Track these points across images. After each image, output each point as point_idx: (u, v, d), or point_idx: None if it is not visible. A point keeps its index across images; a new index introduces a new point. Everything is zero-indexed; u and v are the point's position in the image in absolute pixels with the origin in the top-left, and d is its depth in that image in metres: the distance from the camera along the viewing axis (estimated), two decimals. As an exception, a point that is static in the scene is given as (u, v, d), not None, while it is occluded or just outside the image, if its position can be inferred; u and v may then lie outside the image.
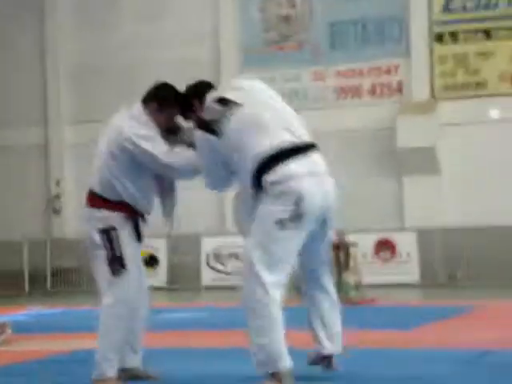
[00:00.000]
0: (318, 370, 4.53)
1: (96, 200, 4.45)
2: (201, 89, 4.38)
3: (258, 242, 4.01)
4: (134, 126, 4.38)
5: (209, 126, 4.12)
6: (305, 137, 4.19)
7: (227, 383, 4.43)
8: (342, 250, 12.62)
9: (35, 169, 18.45)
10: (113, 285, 4.30)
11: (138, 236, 4.41)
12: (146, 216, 4.49)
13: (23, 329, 7.68)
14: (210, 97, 4.24)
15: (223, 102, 4.14)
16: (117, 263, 4.30)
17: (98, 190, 4.45)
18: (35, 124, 18.56)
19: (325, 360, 4.45)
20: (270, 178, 4.02)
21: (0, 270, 16.45)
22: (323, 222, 4.19)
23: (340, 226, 15.41)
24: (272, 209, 3.99)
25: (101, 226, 4.36)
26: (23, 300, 14.61)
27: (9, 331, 6.88)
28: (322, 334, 4.39)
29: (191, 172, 4.41)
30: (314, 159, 4.17)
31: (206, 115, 4.18)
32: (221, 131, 4.10)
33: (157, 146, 4.34)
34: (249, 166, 4.05)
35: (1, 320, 7.01)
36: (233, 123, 4.10)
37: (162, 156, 4.33)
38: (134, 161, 4.38)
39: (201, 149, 4.24)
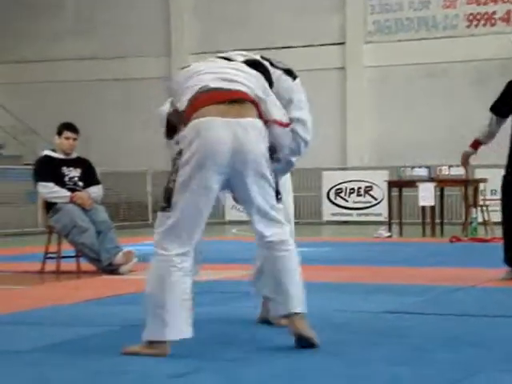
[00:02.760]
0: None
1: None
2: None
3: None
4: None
5: None
6: None
7: (342, 316, 4.33)
8: (470, 186, 12.24)
9: (158, 99, 18.68)
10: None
11: None
12: None
13: (148, 258, 7.82)
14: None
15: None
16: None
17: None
18: (159, 55, 18.75)
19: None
20: None
21: (126, 201, 16.89)
22: None
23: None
24: None
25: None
26: (147, 230, 14.98)
27: (134, 260, 7.01)
28: None
29: None
30: None
31: None
32: None
33: None
34: None
35: (127, 249, 7.14)
36: None
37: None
38: None
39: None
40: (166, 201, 3.40)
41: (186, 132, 3.40)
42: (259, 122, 3.47)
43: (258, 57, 3.91)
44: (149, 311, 3.41)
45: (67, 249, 7.27)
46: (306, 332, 3.46)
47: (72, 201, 7.10)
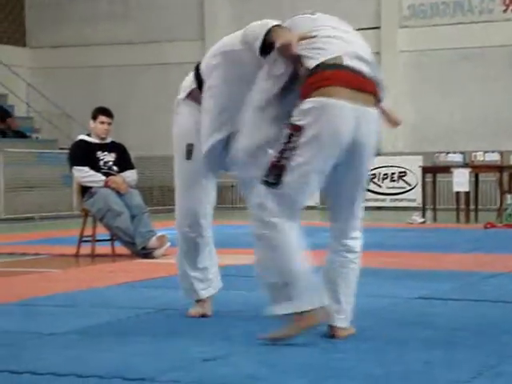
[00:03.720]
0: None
1: None
2: None
3: None
4: None
5: None
6: None
7: (375, 302, 4.32)
8: (505, 172, 12.13)
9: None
10: None
11: None
12: None
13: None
14: None
15: None
16: None
17: None
18: (192, 39, 18.76)
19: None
20: None
21: (160, 185, 16.99)
22: None
23: (504, 147, 14.94)
24: None
25: None
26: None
27: (168, 244, 7.06)
28: None
29: None
30: None
31: None
32: None
33: None
34: None
35: (161, 233, 7.19)
36: None
37: None
38: None
39: None
40: (276, 177, 3.18)
41: (309, 108, 3.16)
42: (377, 113, 3.36)
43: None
44: (275, 285, 3.20)
45: (102, 232, 7.33)
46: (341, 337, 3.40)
47: (107, 185, 7.16)
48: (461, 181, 11.83)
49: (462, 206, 12.27)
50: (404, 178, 16.10)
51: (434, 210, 12.44)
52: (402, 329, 3.61)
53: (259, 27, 3.42)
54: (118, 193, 7.17)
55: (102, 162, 7.30)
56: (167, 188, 17.09)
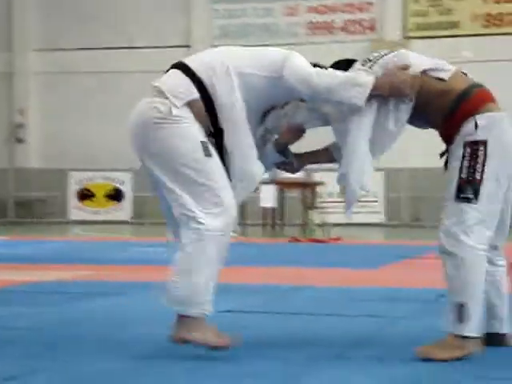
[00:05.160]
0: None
1: None
2: None
3: None
4: None
5: None
6: None
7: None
8: (308, 188, 12.66)
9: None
10: None
11: None
12: None
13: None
14: None
15: None
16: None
17: None
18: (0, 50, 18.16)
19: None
20: None
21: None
22: None
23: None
24: None
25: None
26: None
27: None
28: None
29: None
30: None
31: None
32: None
33: None
34: None
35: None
36: None
37: None
38: None
39: None
40: (473, 192, 3.33)
41: (486, 123, 3.36)
42: None
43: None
44: (474, 308, 3.32)
45: None
46: None
47: None
48: (267, 196, 12.23)
49: (269, 221, 12.68)
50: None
51: (243, 224, 12.77)
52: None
53: (341, 83, 3.39)
54: None
55: None
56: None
